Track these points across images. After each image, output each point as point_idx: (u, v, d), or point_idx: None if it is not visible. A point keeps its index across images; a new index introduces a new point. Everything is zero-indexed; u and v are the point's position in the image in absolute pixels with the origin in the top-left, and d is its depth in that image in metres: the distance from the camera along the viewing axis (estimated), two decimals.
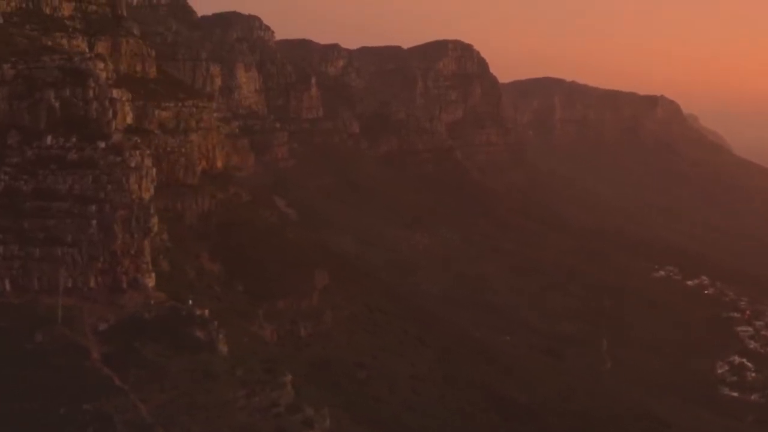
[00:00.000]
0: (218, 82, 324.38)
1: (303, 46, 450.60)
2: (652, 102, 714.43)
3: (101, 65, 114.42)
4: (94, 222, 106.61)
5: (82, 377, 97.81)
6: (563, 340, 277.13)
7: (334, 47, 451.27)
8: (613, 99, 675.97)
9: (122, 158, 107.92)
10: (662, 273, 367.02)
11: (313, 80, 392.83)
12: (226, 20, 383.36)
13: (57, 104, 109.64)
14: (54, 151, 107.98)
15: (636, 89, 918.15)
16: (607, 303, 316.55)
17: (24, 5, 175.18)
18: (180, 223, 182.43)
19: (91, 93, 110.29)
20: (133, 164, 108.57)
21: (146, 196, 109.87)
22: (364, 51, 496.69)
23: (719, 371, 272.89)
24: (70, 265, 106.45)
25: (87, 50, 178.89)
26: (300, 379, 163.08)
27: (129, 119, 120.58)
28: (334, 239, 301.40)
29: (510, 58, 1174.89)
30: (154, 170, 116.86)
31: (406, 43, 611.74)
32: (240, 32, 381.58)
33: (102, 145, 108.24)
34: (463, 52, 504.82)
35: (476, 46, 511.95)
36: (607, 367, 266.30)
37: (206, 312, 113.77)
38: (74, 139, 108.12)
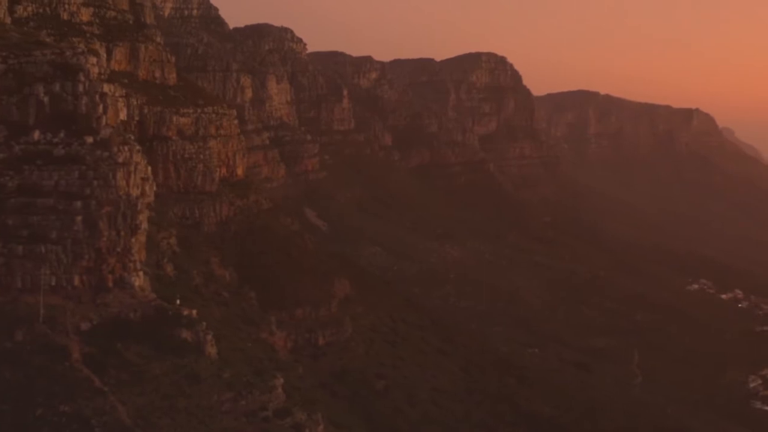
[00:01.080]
0: (249, 93, 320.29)
1: (335, 58, 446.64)
2: (688, 115, 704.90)
3: (93, 60, 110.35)
4: (79, 219, 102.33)
5: (61, 378, 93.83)
6: (594, 354, 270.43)
7: (367, 59, 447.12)
8: (648, 112, 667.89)
9: (110, 153, 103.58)
10: (696, 286, 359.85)
11: (345, 92, 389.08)
12: (258, 32, 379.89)
13: (46, 99, 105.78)
14: (41, 146, 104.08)
15: (671, 102, 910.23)
16: (640, 316, 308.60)
17: (41, 10, 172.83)
18: (197, 230, 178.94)
19: (81, 88, 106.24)
20: (120, 159, 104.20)
21: (135, 192, 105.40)
22: (397, 63, 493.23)
23: (752, 385, 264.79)
24: (54, 263, 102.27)
25: (105, 55, 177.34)
26: (316, 388, 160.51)
27: (122, 115, 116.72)
28: (363, 250, 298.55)
29: (544, 71, 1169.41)
30: (149, 168, 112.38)
31: (439, 56, 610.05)
32: (272, 44, 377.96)
33: (90, 140, 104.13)
34: (497, 64, 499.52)
35: (510, 59, 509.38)
36: (638, 380, 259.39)
37: (194, 313, 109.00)
38: (62, 135, 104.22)
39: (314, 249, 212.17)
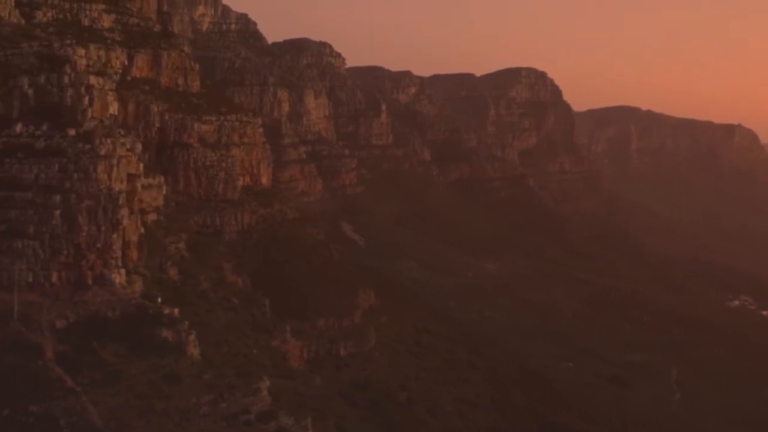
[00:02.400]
0: (286, 107, 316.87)
1: (374, 72, 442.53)
2: (730, 131, 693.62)
3: (81, 52, 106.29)
4: (57, 213, 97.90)
5: (32, 377, 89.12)
6: (631, 369, 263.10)
7: (406, 74, 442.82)
8: (689, 128, 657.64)
9: (92, 146, 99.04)
10: (737, 302, 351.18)
11: (383, 107, 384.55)
12: (296, 47, 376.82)
13: (30, 91, 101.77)
14: (23, 139, 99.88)
15: (713, 118, 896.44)
16: (679, 332, 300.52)
17: (62, 16, 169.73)
18: (217, 238, 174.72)
19: (66, 80, 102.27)
20: (103, 152, 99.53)
21: (118, 186, 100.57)
22: (437, 78, 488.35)
23: None
24: (31, 259, 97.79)
25: (126, 62, 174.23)
26: (335, 399, 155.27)
27: (112, 110, 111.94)
28: (400, 265, 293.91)
29: (585, 87, 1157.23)
30: (140, 165, 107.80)
31: (479, 71, 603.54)
32: (310, 58, 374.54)
33: (72, 132, 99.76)
34: (537, 79, 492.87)
35: (550, 74, 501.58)
36: (676, 397, 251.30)
37: (176, 312, 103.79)
38: (45, 127, 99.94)
39: (340, 259, 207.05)
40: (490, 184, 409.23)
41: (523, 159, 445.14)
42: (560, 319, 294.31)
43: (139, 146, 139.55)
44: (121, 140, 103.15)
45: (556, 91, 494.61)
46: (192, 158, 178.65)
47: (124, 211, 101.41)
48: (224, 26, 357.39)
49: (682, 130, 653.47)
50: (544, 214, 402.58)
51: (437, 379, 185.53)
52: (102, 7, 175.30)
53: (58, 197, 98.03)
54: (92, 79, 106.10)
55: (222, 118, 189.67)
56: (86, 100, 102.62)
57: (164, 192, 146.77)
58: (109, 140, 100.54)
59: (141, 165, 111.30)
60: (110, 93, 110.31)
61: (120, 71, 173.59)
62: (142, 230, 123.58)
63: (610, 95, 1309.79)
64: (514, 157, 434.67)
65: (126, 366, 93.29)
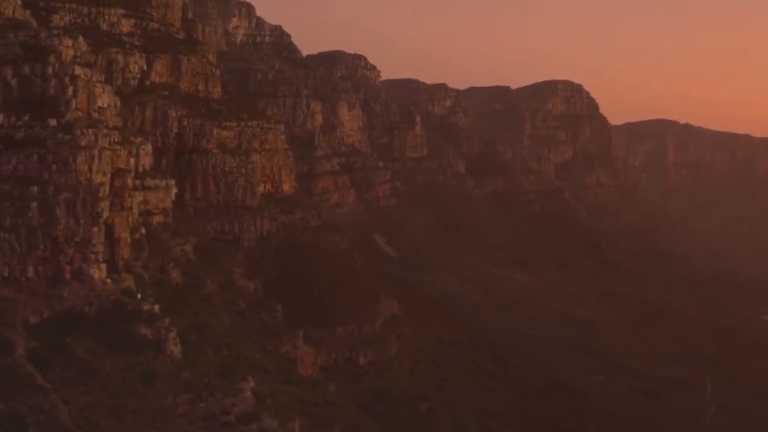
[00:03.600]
0: (319, 119, 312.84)
1: (409, 85, 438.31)
2: None
3: (68, 42, 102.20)
4: (34, 205, 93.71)
5: (1, 374, 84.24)
6: (665, 383, 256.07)
7: (441, 87, 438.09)
8: (727, 141, 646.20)
9: (72, 136, 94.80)
10: None
11: (418, 119, 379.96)
12: (330, 59, 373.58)
13: (14, 82, 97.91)
14: (4, 130, 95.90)
15: (751, 131, 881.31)
16: (714, 346, 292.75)
17: (79, 20, 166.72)
18: (236, 244, 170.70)
19: (50, 70, 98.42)
20: (83, 143, 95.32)
21: (100, 179, 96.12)
22: (472, 91, 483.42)
23: None
24: (7, 253, 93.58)
25: (144, 67, 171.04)
26: (350, 407, 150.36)
27: (101, 102, 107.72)
28: (433, 277, 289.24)
29: (621, 100, 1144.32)
30: (132, 159, 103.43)
31: (515, 83, 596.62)
32: (344, 71, 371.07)
33: (53, 122, 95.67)
34: (573, 92, 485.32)
35: (586, 87, 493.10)
36: (711, 411, 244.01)
37: (156, 308, 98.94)
38: (26, 118, 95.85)
39: (363, 267, 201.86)
40: (526, 197, 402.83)
41: (559, 172, 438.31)
42: (593, 332, 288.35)
43: (149, 147, 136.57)
44: (104, 131, 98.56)
45: (593, 104, 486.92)
46: (211, 164, 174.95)
47: (105, 204, 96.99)
48: (258, 38, 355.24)
49: (719, 144, 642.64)
50: (579, 227, 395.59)
51: (459, 389, 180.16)
52: (121, 11, 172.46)
53: (35, 189, 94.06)
54: (78, 70, 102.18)
55: (243, 124, 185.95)
56: (70, 90, 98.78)
57: (173, 195, 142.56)
58: (90, 131, 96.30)
59: (132, 160, 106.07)
60: (99, 84, 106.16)
61: (138, 76, 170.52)
62: (143, 230, 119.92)
63: (647, 109, 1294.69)
64: (549, 170, 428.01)
65: (100, 363, 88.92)
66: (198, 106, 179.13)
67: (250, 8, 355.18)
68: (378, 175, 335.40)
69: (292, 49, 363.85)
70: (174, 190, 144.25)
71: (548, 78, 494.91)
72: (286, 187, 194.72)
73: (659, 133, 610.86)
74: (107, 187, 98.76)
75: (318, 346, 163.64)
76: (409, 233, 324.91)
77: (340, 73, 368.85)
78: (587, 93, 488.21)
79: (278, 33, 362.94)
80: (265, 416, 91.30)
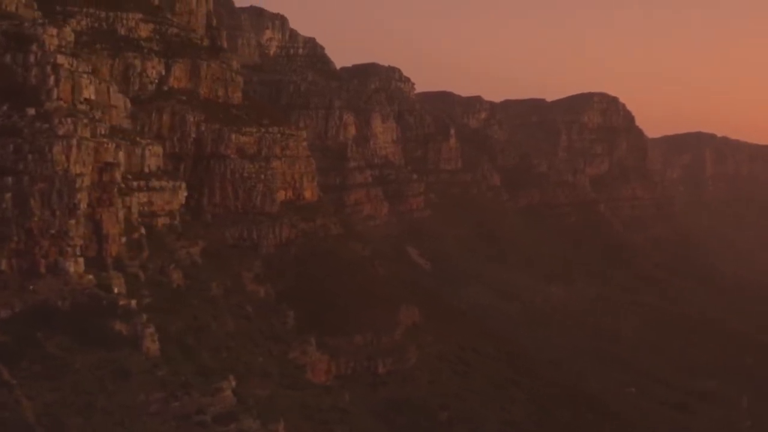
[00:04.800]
0: (352, 131, 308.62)
1: (444, 98, 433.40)
2: None
3: (53, 31, 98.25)
4: (8, 196, 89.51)
5: None
6: (699, 396, 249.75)
7: (476, 99, 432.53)
8: (765, 154, 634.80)
9: (50, 125, 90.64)
10: None
11: (452, 131, 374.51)
12: (364, 71, 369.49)
13: None
14: None
15: None
16: (750, 359, 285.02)
17: (96, 25, 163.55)
18: (254, 251, 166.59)
19: (32, 58, 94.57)
20: (61, 132, 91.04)
21: (79, 170, 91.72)
22: (508, 103, 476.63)
23: None
24: None
25: (163, 72, 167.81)
26: (365, 415, 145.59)
27: (88, 93, 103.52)
28: (466, 289, 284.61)
29: (658, 113, 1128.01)
30: (120, 152, 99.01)
31: (551, 96, 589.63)
32: (378, 83, 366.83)
33: (32, 112, 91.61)
34: (609, 105, 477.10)
35: (622, 99, 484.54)
36: (746, 425, 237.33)
37: (132, 303, 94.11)
38: (5, 108, 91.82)
39: (385, 276, 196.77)
40: (561, 209, 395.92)
41: (594, 185, 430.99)
42: (627, 344, 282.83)
43: (157, 149, 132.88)
44: (84, 121, 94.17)
45: (629, 117, 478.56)
46: (229, 170, 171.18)
47: (83, 196, 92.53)
48: (292, 50, 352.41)
49: (757, 156, 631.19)
50: (614, 239, 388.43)
51: (482, 399, 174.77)
52: (139, 16, 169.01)
53: (9, 179, 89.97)
54: (62, 59, 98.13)
55: (263, 130, 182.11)
56: (51, 79, 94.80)
57: (182, 198, 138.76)
58: (69, 120, 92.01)
59: (121, 153, 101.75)
60: (86, 75, 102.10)
61: (156, 81, 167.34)
62: (143, 230, 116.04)
63: (685, 122, 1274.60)
64: (585, 182, 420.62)
65: (71, 359, 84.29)
66: (217, 111, 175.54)
67: (284, 20, 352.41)
68: (411, 187, 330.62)
69: (325, 61, 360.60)
70: (184, 193, 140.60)
71: (584, 90, 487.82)
72: (307, 194, 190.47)
73: (697, 146, 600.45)
74: (86, 179, 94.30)
75: (335, 354, 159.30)
76: (442, 245, 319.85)
77: (374, 85, 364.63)
78: (623, 105, 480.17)
79: (312, 45, 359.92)
80: (245, 417, 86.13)
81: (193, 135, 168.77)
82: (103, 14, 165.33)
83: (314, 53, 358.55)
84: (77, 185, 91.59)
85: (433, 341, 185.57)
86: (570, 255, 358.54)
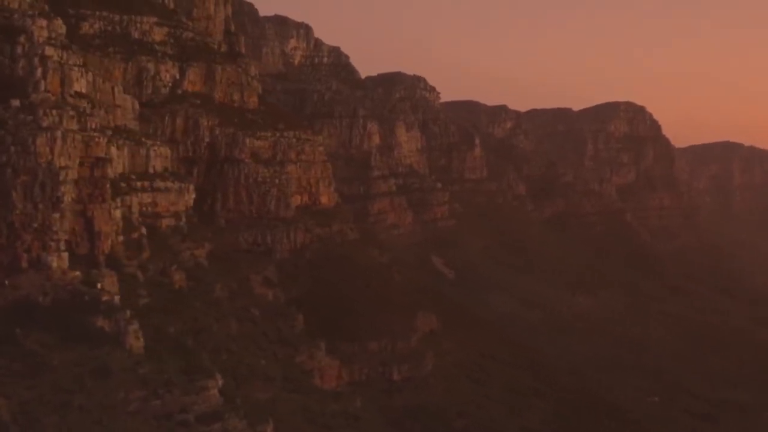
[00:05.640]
0: (376, 139, 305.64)
1: (469, 107, 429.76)
2: None
3: (42, 23, 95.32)
4: None
5: None
6: (724, 406, 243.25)
7: (502, 109, 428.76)
8: None
9: (34, 117, 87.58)
10: None
11: (477, 140, 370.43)
12: (389, 80, 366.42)
13: None
14: None
15: None
16: None
17: (110, 28, 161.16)
18: (268, 256, 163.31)
19: (19, 50, 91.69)
20: (45, 124, 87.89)
21: (64, 162, 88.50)
22: (534, 113, 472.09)
23: None
24: None
25: (177, 76, 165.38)
26: (381, 423, 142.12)
27: (79, 87, 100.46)
28: (490, 299, 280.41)
29: (686, 123, 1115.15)
30: (112, 147, 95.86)
31: (577, 105, 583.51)
32: (403, 92, 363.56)
33: (16, 103, 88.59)
34: (635, 114, 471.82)
35: (649, 109, 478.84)
36: None
37: (116, 299, 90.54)
38: None
39: (403, 283, 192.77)
40: (587, 219, 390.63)
41: (621, 194, 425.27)
42: (652, 354, 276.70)
43: (164, 150, 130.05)
44: (71, 113, 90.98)
45: (655, 126, 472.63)
46: (243, 174, 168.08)
47: (67, 189, 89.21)
48: (316, 59, 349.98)
49: None
50: (640, 249, 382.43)
51: (499, 407, 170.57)
52: (154, 20, 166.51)
53: None
54: (50, 51, 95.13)
55: (278, 135, 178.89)
56: (39, 71, 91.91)
57: (189, 200, 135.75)
58: (54, 112, 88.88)
59: (113, 148, 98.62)
60: (76, 68, 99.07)
61: (170, 85, 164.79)
62: (143, 230, 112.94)
63: (712, 131, 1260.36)
64: (611, 192, 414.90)
65: (50, 356, 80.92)
66: (231, 115, 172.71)
67: (308, 29, 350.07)
68: (436, 196, 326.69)
69: (350, 70, 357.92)
70: (191, 196, 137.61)
71: (610, 100, 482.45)
72: (324, 199, 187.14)
73: (724, 155, 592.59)
74: (72, 172, 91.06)
75: (349, 360, 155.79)
76: (467, 255, 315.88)
77: (399, 94, 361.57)
78: (650, 115, 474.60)
79: (336, 54, 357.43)
80: (231, 416, 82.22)
81: (207, 139, 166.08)
82: (116, 17, 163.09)
83: (339, 62, 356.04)
84: (61, 178, 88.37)
85: (452, 348, 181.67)
86: (596, 264, 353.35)
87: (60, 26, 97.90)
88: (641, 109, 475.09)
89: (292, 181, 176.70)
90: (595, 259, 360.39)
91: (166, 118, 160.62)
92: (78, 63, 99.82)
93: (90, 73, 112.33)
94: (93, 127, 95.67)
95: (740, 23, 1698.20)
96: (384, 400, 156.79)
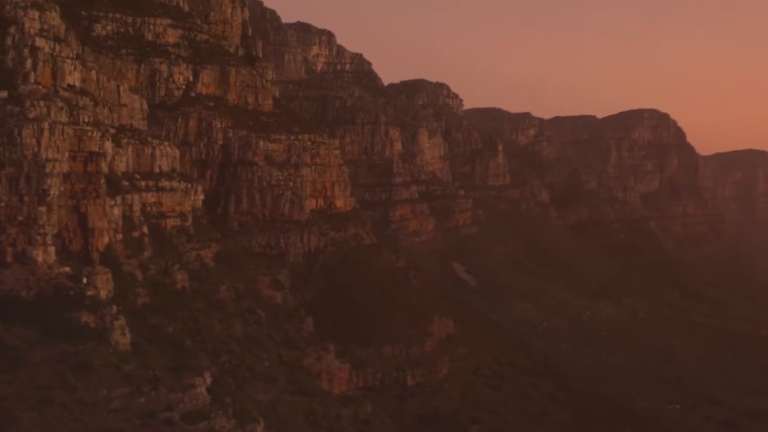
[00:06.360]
0: (398, 146, 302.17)
1: (493, 114, 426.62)
2: None
3: (34, 14, 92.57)
4: None
5: None
6: (748, 415, 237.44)
7: (525, 116, 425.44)
8: None
9: (21, 108, 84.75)
10: None
11: (500, 147, 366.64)
12: (412, 87, 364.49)
13: None
14: None
15: None
16: None
17: (123, 30, 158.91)
18: (281, 259, 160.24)
19: (9, 41, 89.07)
20: (32, 115, 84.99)
21: (51, 155, 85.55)
22: (558, 120, 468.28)
23: None
24: None
25: (191, 78, 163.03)
26: (393, 428, 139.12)
27: (72, 80, 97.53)
28: (512, 306, 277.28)
29: (711, 130, 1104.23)
30: (107, 142, 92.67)
31: (601, 113, 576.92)
32: (426, 99, 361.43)
33: (4, 95, 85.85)
34: (659, 121, 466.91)
35: (673, 116, 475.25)
36: None
37: (101, 293, 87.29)
38: None
39: (419, 287, 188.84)
40: (610, 226, 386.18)
41: (645, 202, 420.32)
42: (676, 362, 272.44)
43: (171, 150, 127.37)
44: (60, 104, 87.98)
45: (680, 133, 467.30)
46: (256, 177, 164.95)
47: (53, 182, 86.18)
48: (339, 66, 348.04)
49: None
50: (664, 257, 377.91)
51: (515, 414, 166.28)
52: (167, 22, 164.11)
53: None
54: (41, 42, 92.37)
55: (293, 138, 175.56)
56: (29, 63, 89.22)
57: (196, 200, 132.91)
58: (42, 103, 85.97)
59: (108, 143, 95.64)
60: (69, 61, 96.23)
61: (183, 87, 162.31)
62: (145, 229, 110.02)
63: (737, 139, 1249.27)
64: (635, 199, 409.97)
65: (31, 351, 77.83)
66: (245, 118, 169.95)
67: (331, 36, 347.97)
68: (458, 203, 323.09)
69: (372, 77, 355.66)
70: (199, 197, 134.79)
71: (634, 107, 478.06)
72: (339, 203, 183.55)
73: (749, 163, 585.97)
74: (61, 165, 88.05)
75: (362, 365, 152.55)
76: (489, 262, 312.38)
77: (422, 101, 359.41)
78: (674, 122, 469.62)
79: (359, 61, 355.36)
80: (219, 416, 78.71)
81: (220, 141, 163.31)
82: (129, 19, 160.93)
83: (361, 69, 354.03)
84: (47, 170, 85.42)
85: (468, 354, 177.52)
86: (619, 272, 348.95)
87: (53, 18, 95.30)
88: (665, 117, 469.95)
89: (306, 185, 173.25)
90: (619, 266, 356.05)
91: (179, 120, 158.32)
92: (71, 56, 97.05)
93: (93, 71, 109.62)
94: (86, 120, 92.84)
95: (764, 33, 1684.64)
96: (397, 405, 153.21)
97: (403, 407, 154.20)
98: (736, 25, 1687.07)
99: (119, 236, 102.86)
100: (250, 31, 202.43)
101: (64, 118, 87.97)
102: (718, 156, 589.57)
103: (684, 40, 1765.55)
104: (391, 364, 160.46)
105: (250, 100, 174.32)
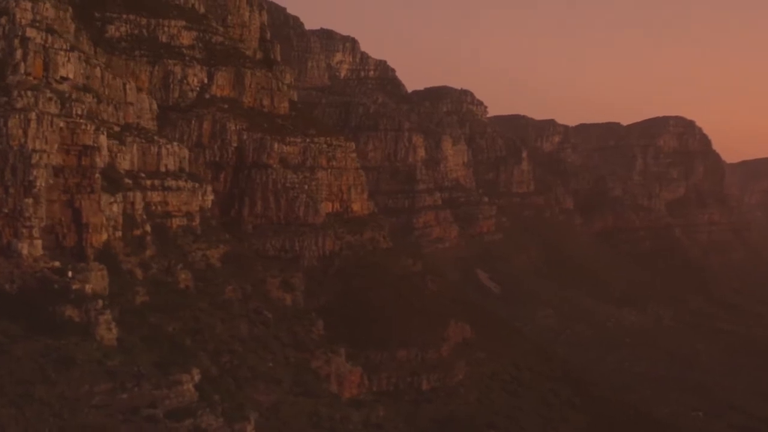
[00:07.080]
0: (421, 153, 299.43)
1: (517, 121, 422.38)
2: None
3: (26, 5, 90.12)
4: None
5: None
6: None
7: (550, 123, 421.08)
8: None
9: (8, 99, 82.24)
10: None
11: (524, 154, 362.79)
12: (436, 94, 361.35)
13: None
14: None
15: None
16: None
17: (136, 31, 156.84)
18: (296, 263, 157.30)
19: (0, 31, 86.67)
20: (19, 105, 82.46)
21: (39, 146, 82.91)
22: (583, 127, 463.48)
23: None
24: None
25: (205, 80, 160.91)
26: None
27: (67, 72, 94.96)
28: (536, 313, 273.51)
29: (737, 138, 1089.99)
30: (102, 136, 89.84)
31: (626, 120, 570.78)
32: (450, 106, 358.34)
33: None
34: (685, 128, 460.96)
35: (699, 123, 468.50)
36: None
37: (88, 288, 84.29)
38: None
39: (436, 291, 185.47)
40: (635, 234, 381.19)
41: (670, 209, 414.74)
42: (701, 369, 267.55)
43: (179, 150, 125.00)
44: (48, 95, 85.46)
45: (705, 141, 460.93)
46: (271, 179, 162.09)
47: (39, 173, 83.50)
48: (362, 73, 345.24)
49: None
50: (689, 264, 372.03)
51: (532, 419, 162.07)
52: (182, 24, 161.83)
53: None
54: (32, 33, 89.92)
55: (308, 140, 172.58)
56: (19, 53, 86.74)
57: (205, 200, 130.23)
58: (29, 93, 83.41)
59: (102, 137, 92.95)
60: (61, 53, 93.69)
61: (197, 89, 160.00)
62: (147, 227, 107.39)
63: (763, 146, 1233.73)
64: (660, 207, 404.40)
65: (12, 346, 75.09)
66: (260, 120, 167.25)
67: (354, 43, 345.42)
68: (482, 210, 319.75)
69: (396, 83, 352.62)
70: (209, 197, 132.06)
71: (660, 114, 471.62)
72: (356, 207, 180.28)
73: None
74: (48, 157, 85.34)
75: (376, 368, 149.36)
76: (513, 269, 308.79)
77: (446, 108, 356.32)
78: (700, 129, 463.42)
79: (382, 68, 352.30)
80: (206, 413, 75.58)
81: (235, 143, 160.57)
82: (143, 21, 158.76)
83: (385, 76, 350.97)
84: (33, 161, 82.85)
85: (486, 359, 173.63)
86: (644, 279, 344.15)
87: (46, 9, 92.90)
88: (691, 124, 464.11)
89: (322, 188, 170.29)
90: (644, 273, 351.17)
91: (193, 121, 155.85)
92: (65, 47, 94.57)
93: (98, 68, 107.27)
94: (79, 113, 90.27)
95: None
96: (411, 409, 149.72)
97: (418, 412, 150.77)
98: (764, 32, 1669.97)
99: (119, 234, 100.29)
100: (268, 35, 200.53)
101: (53, 110, 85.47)
102: (744, 164, 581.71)
103: (710, 47, 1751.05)
104: (406, 368, 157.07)
105: (266, 102, 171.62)
